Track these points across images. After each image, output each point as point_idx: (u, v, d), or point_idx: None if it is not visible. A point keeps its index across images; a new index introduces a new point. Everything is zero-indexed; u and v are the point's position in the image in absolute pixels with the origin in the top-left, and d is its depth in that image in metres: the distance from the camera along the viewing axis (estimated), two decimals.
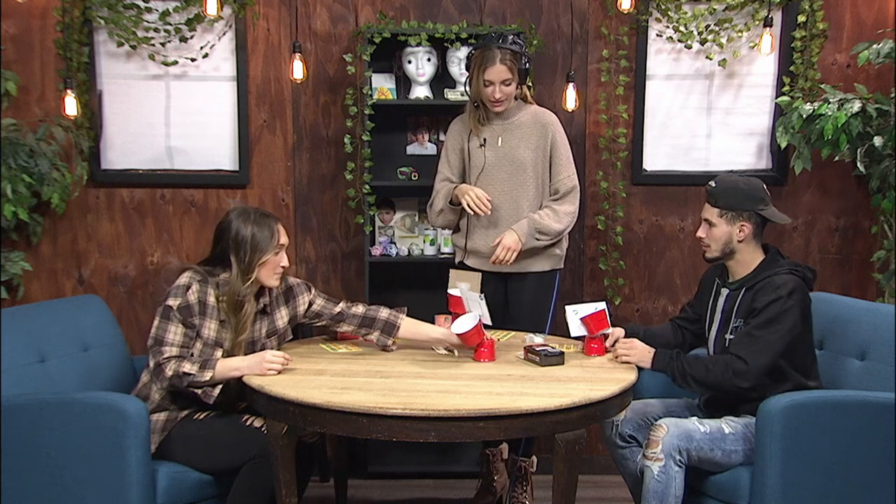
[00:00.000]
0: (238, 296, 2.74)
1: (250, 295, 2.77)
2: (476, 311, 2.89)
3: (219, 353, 2.72)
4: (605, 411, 2.55)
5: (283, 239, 2.80)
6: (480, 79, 3.20)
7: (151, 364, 2.69)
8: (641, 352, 2.79)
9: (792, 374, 2.70)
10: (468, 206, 3.20)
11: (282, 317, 2.93)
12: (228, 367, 2.66)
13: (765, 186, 2.79)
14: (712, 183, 2.79)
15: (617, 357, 2.84)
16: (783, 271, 2.70)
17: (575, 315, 2.95)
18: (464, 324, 2.79)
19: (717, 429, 2.67)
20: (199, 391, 2.65)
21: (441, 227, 3.51)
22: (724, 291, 2.83)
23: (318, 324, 3.02)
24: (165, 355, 2.65)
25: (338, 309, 2.97)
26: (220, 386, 2.67)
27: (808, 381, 2.73)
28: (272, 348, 2.86)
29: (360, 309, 2.97)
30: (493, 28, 3.64)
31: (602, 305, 2.93)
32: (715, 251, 2.78)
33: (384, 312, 2.97)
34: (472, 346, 2.83)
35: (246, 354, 2.76)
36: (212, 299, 2.74)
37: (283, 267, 2.81)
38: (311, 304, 2.97)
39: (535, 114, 3.34)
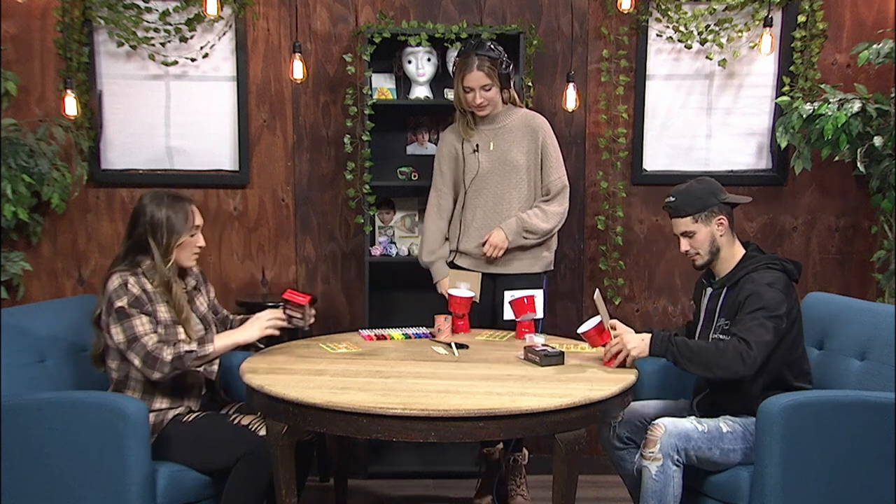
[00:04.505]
0: (164, 278, 2.78)
1: (174, 276, 2.81)
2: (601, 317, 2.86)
3: (181, 329, 2.77)
4: (605, 411, 2.55)
5: (199, 220, 2.84)
6: (460, 86, 3.25)
7: (137, 362, 2.65)
8: (637, 343, 2.71)
9: (782, 370, 2.70)
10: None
11: (207, 292, 3.01)
12: (228, 338, 2.75)
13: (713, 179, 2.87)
14: (671, 198, 2.80)
15: (616, 356, 2.73)
16: (761, 267, 2.72)
17: (511, 298, 3.14)
18: (587, 323, 2.84)
19: (714, 428, 2.67)
20: (200, 368, 2.76)
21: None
22: (709, 291, 2.85)
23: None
24: (150, 344, 2.65)
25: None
26: (219, 361, 2.79)
27: (795, 380, 2.73)
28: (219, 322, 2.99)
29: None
30: (484, 28, 3.64)
31: (534, 293, 3.09)
32: (704, 256, 2.80)
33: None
34: (598, 346, 2.85)
35: (198, 332, 2.82)
36: (149, 286, 2.76)
37: (199, 247, 2.85)
38: (211, 292, 3.05)
39: (524, 117, 3.37)
